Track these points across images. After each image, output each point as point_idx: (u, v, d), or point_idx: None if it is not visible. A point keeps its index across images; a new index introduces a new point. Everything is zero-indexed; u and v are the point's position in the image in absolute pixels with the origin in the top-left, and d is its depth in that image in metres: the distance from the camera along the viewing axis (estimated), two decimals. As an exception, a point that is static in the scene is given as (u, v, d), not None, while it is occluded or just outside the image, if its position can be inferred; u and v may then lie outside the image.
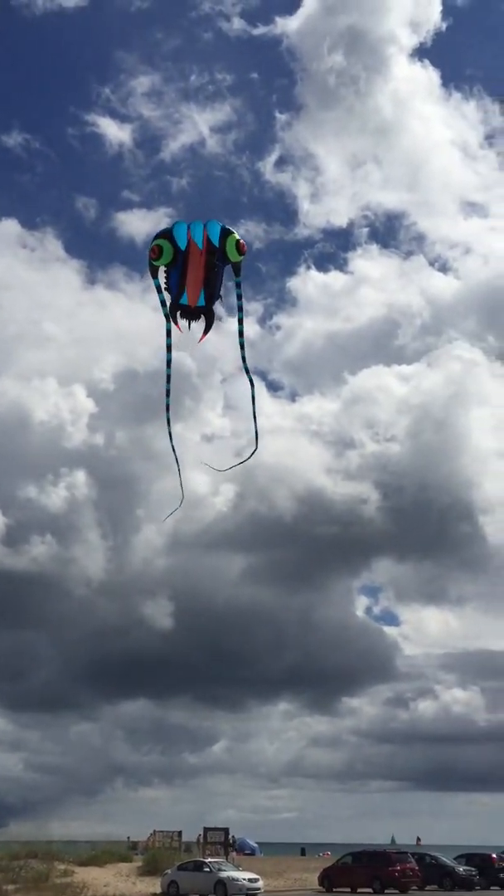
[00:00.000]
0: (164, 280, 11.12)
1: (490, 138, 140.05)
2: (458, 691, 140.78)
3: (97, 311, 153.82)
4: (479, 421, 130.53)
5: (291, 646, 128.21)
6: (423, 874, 37.49)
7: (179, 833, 49.72)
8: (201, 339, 11.32)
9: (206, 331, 11.32)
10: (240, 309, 11.30)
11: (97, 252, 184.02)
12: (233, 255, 11.06)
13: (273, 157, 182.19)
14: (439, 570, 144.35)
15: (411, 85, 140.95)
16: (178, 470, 12.19)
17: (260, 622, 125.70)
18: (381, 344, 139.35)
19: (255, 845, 62.48)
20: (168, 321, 11.23)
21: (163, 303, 11.19)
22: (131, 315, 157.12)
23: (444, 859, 40.42)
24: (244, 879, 33.16)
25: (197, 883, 33.54)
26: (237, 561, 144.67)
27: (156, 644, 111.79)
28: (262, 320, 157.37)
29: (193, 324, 11.29)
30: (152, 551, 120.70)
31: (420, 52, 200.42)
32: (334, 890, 36.99)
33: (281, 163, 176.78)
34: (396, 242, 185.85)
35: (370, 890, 36.11)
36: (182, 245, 10.92)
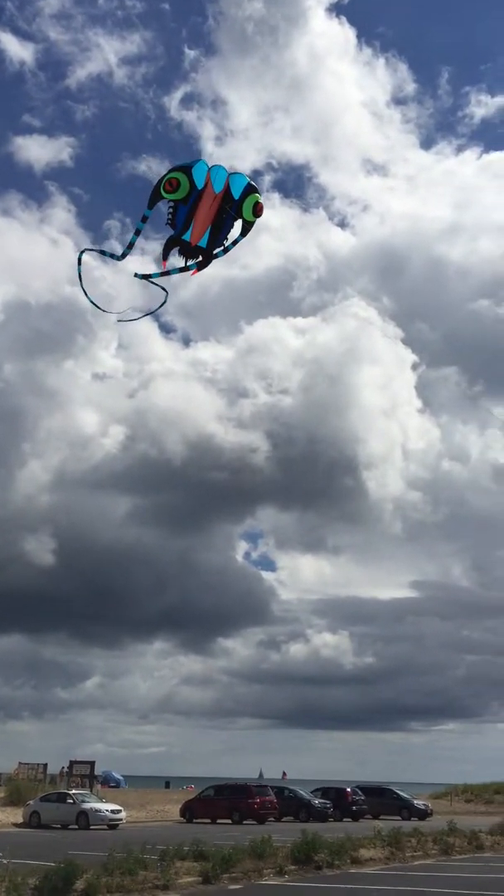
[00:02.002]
0: (170, 214, 10.69)
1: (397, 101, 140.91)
2: (328, 635, 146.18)
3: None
4: (370, 379, 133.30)
5: (171, 587, 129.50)
6: (282, 807, 39.00)
7: (45, 765, 49.96)
8: (194, 272, 11.02)
9: (199, 267, 10.99)
10: (225, 249, 11.03)
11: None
12: (247, 214, 10.75)
13: (179, 94, 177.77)
14: (320, 521, 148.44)
15: (327, 41, 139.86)
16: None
17: (141, 563, 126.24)
18: (278, 295, 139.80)
19: (121, 778, 63.50)
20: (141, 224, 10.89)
21: (137, 232, 10.83)
22: (26, 245, 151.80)
23: (302, 793, 42.09)
24: (106, 811, 33.68)
25: (59, 814, 33.83)
26: (123, 502, 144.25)
27: (34, 580, 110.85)
28: (159, 259, 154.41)
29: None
30: (37, 487, 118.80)
31: (337, 8, 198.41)
32: (195, 821, 38.03)
33: (188, 100, 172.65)
34: (299, 193, 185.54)
35: (229, 821, 37.29)
36: (199, 184, 10.50)
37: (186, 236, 10.71)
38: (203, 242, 10.77)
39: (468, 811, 49.69)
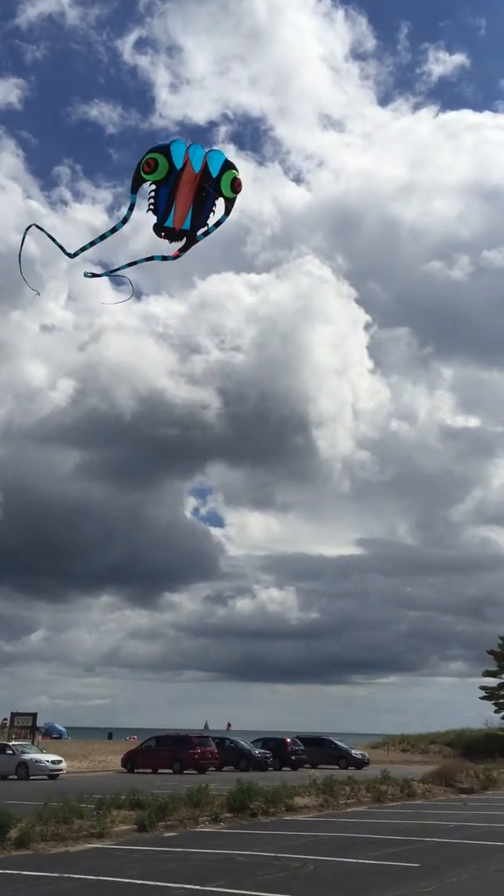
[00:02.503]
0: (151, 197, 10.59)
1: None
2: (275, 591, 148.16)
3: None
4: (322, 337, 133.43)
5: (119, 542, 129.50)
6: (223, 757, 39.70)
7: (-14, 717, 49.98)
8: (176, 255, 10.88)
9: (183, 249, 10.88)
10: (206, 232, 10.94)
11: None
12: (226, 191, 10.66)
13: (133, 38, 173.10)
14: (269, 478, 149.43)
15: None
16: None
17: (89, 517, 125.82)
18: (231, 250, 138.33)
19: (63, 729, 63.93)
20: (113, 230, 10.86)
21: (125, 221, 10.79)
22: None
23: (243, 743, 42.88)
24: (47, 761, 33.90)
25: (-1, 765, 33.91)
26: (72, 456, 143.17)
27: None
28: (111, 209, 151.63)
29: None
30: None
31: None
32: (136, 771, 38.52)
33: (142, 45, 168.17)
34: (254, 146, 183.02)
35: (170, 771, 37.86)
36: (178, 164, 10.36)
37: (169, 222, 10.66)
38: (186, 225, 10.71)
39: (404, 760, 51.20)
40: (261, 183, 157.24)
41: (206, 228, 10.90)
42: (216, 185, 10.68)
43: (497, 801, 25.98)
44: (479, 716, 59.56)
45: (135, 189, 10.62)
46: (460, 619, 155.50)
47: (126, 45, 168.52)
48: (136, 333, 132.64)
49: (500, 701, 58.30)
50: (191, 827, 18.16)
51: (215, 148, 10.82)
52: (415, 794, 25.78)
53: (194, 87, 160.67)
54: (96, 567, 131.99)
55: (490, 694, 58.77)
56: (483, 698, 59.10)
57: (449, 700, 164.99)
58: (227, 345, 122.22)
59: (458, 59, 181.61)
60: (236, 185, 10.77)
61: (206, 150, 10.66)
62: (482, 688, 59.38)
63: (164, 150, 10.48)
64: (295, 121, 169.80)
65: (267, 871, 12.58)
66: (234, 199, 10.84)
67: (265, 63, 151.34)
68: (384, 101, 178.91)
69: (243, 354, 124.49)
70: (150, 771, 38.40)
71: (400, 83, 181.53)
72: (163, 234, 10.82)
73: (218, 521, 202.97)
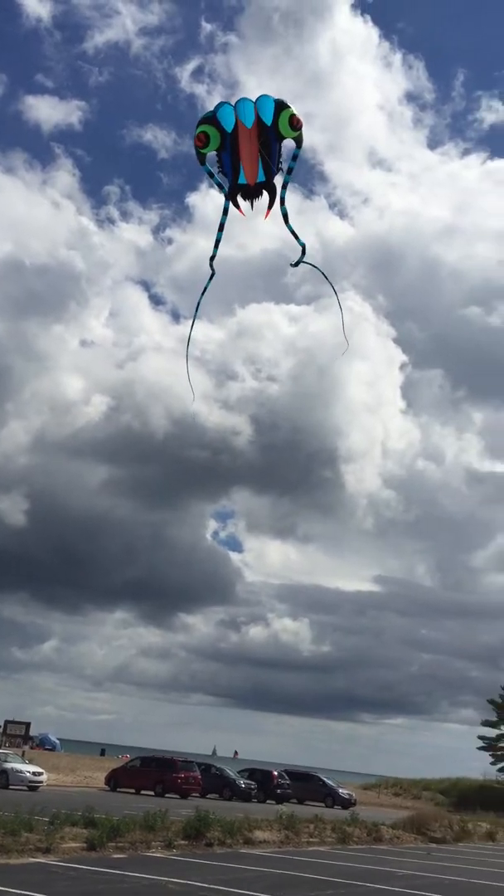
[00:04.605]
0: (218, 166, 10.45)
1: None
2: (289, 621, 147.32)
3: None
4: (358, 374, 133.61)
5: (139, 559, 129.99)
6: (207, 784, 39.63)
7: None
8: (266, 215, 10.63)
9: (269, 206, 10.60)
10: (284, 186, 10.60)
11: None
12: (286, 131, 10.25)
13: (191, 66, 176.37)
14: (294, 508, 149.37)
15: (350, 38, 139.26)
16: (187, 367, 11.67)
17: (112, 532, 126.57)
18: (272, 279, 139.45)
19: (57, 741, 64.07)
20: (225, 213, 10.58)
21: (220, 185, 10.51)
22: (28, 205, 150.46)
23: (229, 772, 42.80)
24: (27, 772, 34.09)
25: (-20, 772, 34.13)
26: (101, 471, 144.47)
27: (2, 538, 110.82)
28: (156, 231, 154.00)
29: (253, 203, 10.67)
30: (15, 447, 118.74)
31: (362, 4, 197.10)
32: (118, 790, 38.58)
33: (199, 73, 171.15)
34: (302, 179, 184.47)
35: (152, 793, 37.88)
36: (229, 127, 10.17)
37: (242, 179, 10.39)
38: (261, 177, 10.41)
39: (393, 804, 50.64)
40: (305, 215, 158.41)
41: (281, 171, 10.48)
42: (275, 132, 10.23)
43: (463, 853, 25.72)
44: (483, 766, 58.78)
45: (202, 161, 10.38)
46: (473, 665, 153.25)
47: (185, 73, 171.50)
48: (174, 355, 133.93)
49: (498, 753, 57.52)
50: (142, 851, 18.28)
51: (262, 94, 10.36)
52: (381, 839, 25.62)
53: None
54: (114, 582, 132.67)
55: (488, 745, 58.04)
56: (481, 748, 58.41)
57: (454, 747, 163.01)
58: (263, 374, 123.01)
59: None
60: (295, 123, 10.29)
61: (255, 100, 10.28)
62: (480, 737, 58.73)
63: (211, 119, 10.26)
64: (344, 157, 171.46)
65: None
66: (300, 135, 10.40)
67: (323, 106, 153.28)
68: (433, 144, 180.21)
69: (278, 385, 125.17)
70: (133, 791, 38.44)
71: (451, 128, 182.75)
72: (239, 194, 10.47)
73: (237, 546, 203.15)
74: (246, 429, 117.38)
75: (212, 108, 10.46)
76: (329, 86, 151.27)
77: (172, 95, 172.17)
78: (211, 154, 10.45)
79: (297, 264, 10.92)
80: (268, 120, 10.15)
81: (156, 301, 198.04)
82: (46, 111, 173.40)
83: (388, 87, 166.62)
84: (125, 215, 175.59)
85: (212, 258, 10.79)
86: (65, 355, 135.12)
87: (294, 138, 10.36)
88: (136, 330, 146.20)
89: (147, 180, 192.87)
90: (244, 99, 10.28)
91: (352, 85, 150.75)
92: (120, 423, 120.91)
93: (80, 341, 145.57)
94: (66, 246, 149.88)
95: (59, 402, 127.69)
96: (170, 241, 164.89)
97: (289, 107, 10.26)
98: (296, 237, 10.73)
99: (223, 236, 10.76)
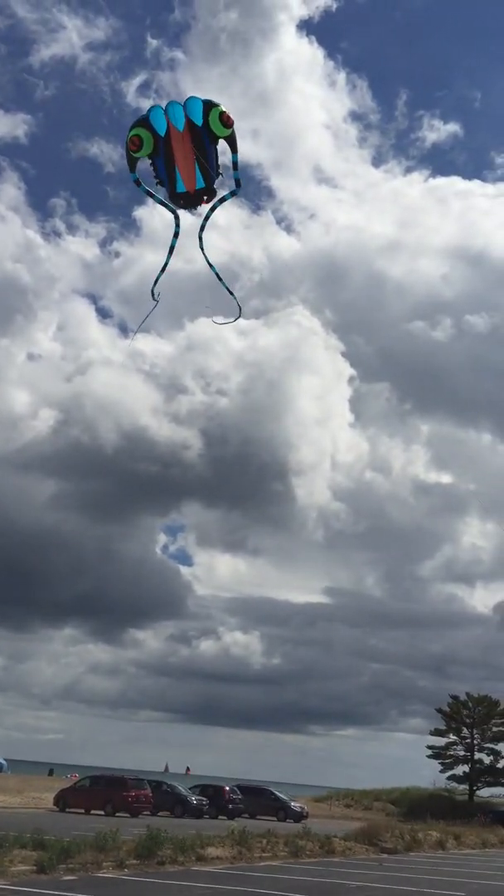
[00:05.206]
0: (153, 172, 10.28)
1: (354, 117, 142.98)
2: (239, 634, 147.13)
3: None
4: (307, 388, 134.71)
5: (87, 574, 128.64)
6: (158, 801, 39.28)
7: None
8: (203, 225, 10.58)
9: (212, 209, 10.50)
10: (233, 192, 10.47)
11: None
12: (219, 130, 10.07)
13: (138, 81, 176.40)
14: (244, 522, 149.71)
15: (295, 58, 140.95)
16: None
17: (60, 548, 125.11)
18: (221, 293, 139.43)
19: (4, 762, 62.86)
20: (176, 218, 10.45)
21: (148, 193, 10.38)
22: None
23: (180, 789, 42.47)
24: (-26, 795, 33.41)
25: None
26: (49, 485, 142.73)
27: None
28: (103, 244, 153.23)
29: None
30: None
31: (307, 26, 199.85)
32: (68, 810, 37.97)
33: (145, 88, 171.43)
34: (248, 194, 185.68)
35: (103, 812, 37.36)
36: (161, 130, 9.93)
37: (181, 188, 10.24)
38: (200, 183, 10.26)
39: (345, 816, 50.79)
40: (252, 230, 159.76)
41: (220, 175, 10.37)
42: (208, 133, 10.07)
43: (414, 863, 25.90)
44: (433, 774, 59.35)
45: (132, 168, 10.24)
46: (422, 674, 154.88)
47: (131, 87, 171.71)
48: (123, 369, 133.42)
49: (447, 761, 58.16)
50: (93, 871, 18.02)
51: (189, 96, 10.24)
52: (334, 852, 25.66)
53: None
54: (62, 598, 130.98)
55: (436, 753, 58.65)
56: (430, 756, 59.00)
57: (405, 757, 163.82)
58: (213, 388, 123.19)
59: (452, 128, 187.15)
60: (226, 119, 10.11)
61: (183, 103, 10.13)
62: (429, 747, 59.33)
63: (144, 122, 10.07)
64: (291, 174, 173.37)
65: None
66: (232, 132, 10.20)
67: (269, 125, 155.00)
68: (378, 162, 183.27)
69: (228, 398, 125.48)
70: (82, 811, 37.87)
71: (394, 147, 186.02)
72: (181, 202, 10.34)
73: (187, 560, 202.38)
74: (196, 442, 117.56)
75: (144, 113, 10.32)
76: (276, 104, 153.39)
77: (118, 109, 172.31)
78: (143, 165, 10.36)
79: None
80: (198, 120, 10.01)
81: (103, 314, 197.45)
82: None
83: (333, 107, 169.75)
84: (72, 228, 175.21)
85: (154, 284, 10.83)
86: (11, 369, 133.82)
87: (227, 138, 10.20)
88: (85, 343, 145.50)
89: (93, 194, 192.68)
90: (173, 102, 10.14)
91: (298, 104, 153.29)
92: (69, 436, 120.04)
93: (28, 355, 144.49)
94: (12, 259, 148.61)
95: (5, 416, 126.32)
96: (117, 255, 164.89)
97: (217, 105, 10.14)
98: (210, 265, 10.89)
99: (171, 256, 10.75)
